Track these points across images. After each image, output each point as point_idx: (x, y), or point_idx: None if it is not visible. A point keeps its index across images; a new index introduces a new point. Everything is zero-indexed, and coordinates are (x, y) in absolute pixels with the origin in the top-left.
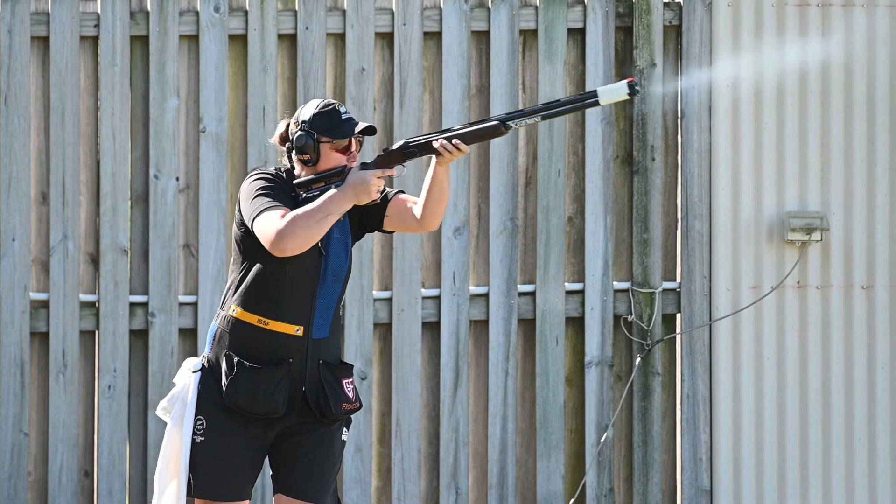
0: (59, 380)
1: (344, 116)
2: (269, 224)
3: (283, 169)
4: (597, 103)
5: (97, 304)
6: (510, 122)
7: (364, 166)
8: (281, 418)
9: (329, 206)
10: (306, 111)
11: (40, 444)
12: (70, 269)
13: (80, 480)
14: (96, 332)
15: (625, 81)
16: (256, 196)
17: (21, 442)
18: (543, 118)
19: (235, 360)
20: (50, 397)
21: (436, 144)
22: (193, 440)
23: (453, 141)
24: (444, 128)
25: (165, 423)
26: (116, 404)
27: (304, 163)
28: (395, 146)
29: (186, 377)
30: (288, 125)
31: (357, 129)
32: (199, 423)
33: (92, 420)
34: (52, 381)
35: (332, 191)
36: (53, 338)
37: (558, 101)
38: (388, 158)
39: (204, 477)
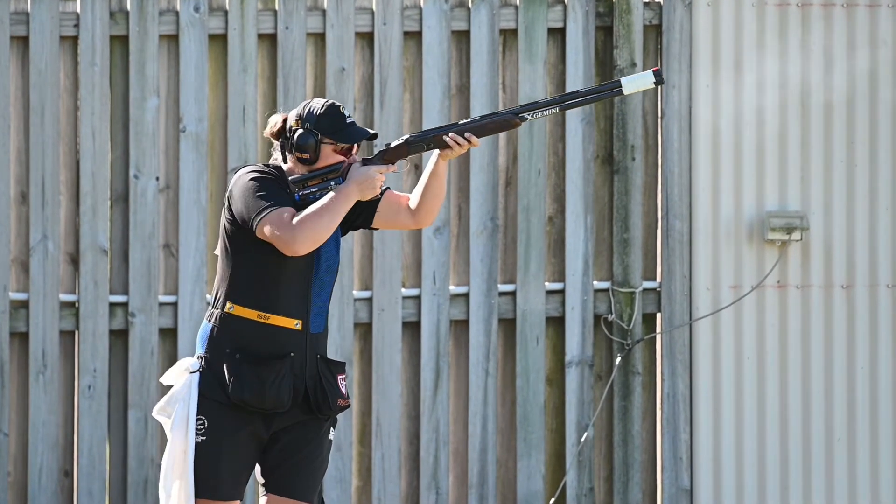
0: (38, 380)
1: (348, 120)
2: (278, 225)
3: (272, 164)
4: (620, 92)
5: (77, 304)
6: (524, 115)
7: (366, 162)
8: (280, 415)
9: (337, 205)
10: (310, 111)
11: (20, 445)
12: (50, 269)
13: (60, 480)
14: (76, 332)
15: (650, 70)
16: (258, 195)
17: (0, 442)
18: (562, 109)
19: (238, 356)
20: (30, 397)
21: (446, 137)
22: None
23: (465, 134)
24: (422, 126)
25: (146, 423)
26: (96, 404)
27: (301, 161)
28: (399, 141)
29: (185, 378)
30: (285, 119)
31: (362, 135)
32: (200, 422)
33: (72, 420)
34: (32, 381)
35: (337, 188)
36: (33, 338)
37: (577, 91)
38: (394, 154)
39: (205, 477)
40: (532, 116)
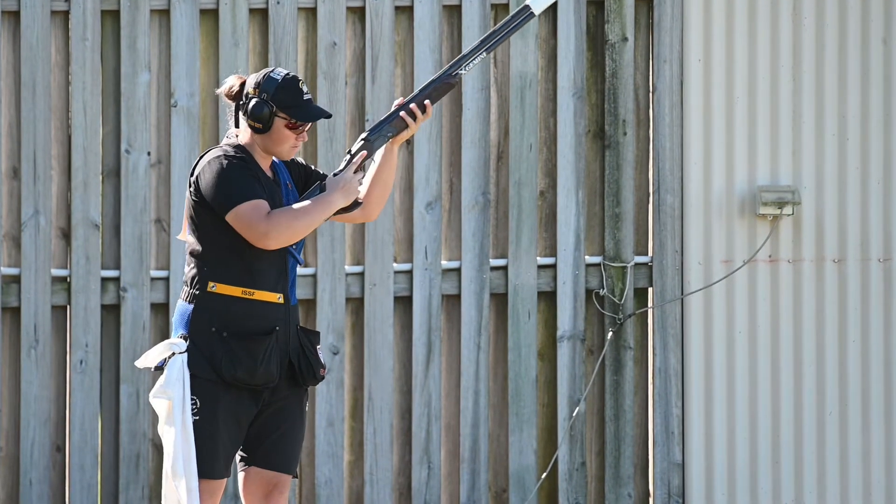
0: (30, 355)
1: (305, 97)
2: (252, 218)
3: (234, 144)
4: (532, 15)
5: (69, 279)
6: (457, 72)
7: (337, 174)
8: (268, 390)
9: (317, 211)
10: (269, 80)
11: (12, 420)
12: (41, 244)
13: (52, 455)
14: (68, 306)
15: None
16: (231, 183)
17: None
18: (488, 52)
19: (225, 334)
20: (21, 372)
21: (403, 114)
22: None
23: (424, 101)
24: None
25: (138, 398)
26: (88, 379)
27: (253, 129)
28: (359, 143)
29: (176, 360)
30: (244, 83)
31: (318, 114)
32: (193, 402)
33: (64, 395)
34: (24, 357)
35: (319, 196)
36: (25, 313)
37: (494, 30)
38: (360, 156)
39: (202, 457)
40: (465, 70)
